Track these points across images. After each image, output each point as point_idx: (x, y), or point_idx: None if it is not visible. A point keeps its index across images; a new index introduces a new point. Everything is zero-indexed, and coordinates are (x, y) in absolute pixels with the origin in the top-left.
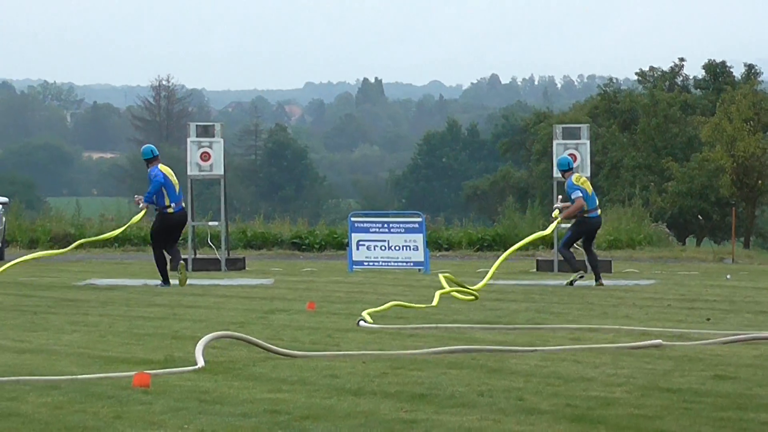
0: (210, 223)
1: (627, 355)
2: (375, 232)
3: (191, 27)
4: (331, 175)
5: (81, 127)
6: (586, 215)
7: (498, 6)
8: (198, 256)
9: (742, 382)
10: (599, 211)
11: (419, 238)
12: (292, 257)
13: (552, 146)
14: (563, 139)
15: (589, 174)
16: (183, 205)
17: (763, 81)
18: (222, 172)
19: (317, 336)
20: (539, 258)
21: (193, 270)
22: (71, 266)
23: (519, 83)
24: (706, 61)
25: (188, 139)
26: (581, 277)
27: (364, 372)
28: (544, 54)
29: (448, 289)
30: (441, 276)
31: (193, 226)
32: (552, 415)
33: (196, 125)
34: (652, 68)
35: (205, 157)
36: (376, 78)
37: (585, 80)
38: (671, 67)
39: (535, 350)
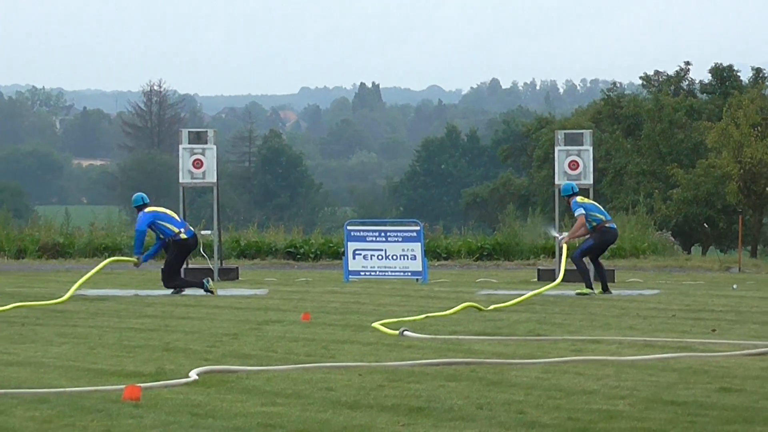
0: (203, 232)
1: (630, 367)
2: (372, 241)
3: (183, 30)
4: (326, 182)
5: (70, 134)
6: (606, 225)
7: (499, 8)
8: (190, 266)
9: (748, 394)
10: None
11: (417, 247)
12: (287, 267)
13: (554, 152)
14: (565, 145)
15: (591, 181)
16: (193, 230)
17: None
18: (215, 180)
19: (312, 347)
20: (540, 267)
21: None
22: (60, 276)
23: (520, 87)
24: (713, 64)
25: (180, 146)
26: (590, 295)
27: (360, 384)
28: (546, 57)
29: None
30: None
31: None
32: (553, 429)
33: (189, 131)
34: (657, 72)
35: (198, 164)
36: (373, 82)
37: (588, 84)
38: (677, 70)
39: (536, 362)
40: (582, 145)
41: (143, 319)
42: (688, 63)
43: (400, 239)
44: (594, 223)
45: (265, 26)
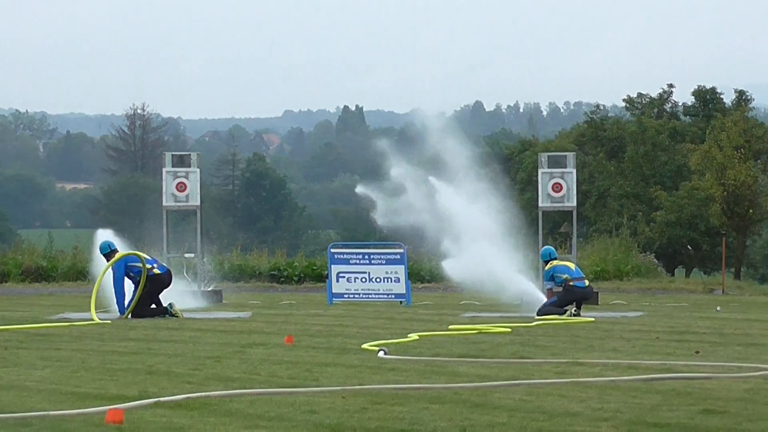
0: (186, 255)
1: (613, 389)
2: (355, 263)
3: (166, 54)
4: (310, 205)
5: (54, 158)
6: (571, 283)
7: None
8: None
9: (731, 416)
10: (587, 282)
11: (401, 270)
12: (271, 290)
13: (537, 175)
14: (549, 167)
15: (574, 203)
16: (165, 265)
17: (754, 107)
18: (198, 203)
19: (296, 370)
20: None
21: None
22: (43, 300)
23: (503, 110)
24: (696, 87)
25: (164, 169)
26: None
27: (343, 407)
28: (529, 80)
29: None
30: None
31: (168, 258)
32: None
33: (172, 155)
34: (640, 95)
35: (181, 187)
36: (356, 105)
37: (571, 107)
38: (660, 93)
39: (520, 383)
40: (565, 167)
41: (126, 342)
42: (671, 85)
43: (384, 262)
44: (558, 283)
45: (248, 50)
